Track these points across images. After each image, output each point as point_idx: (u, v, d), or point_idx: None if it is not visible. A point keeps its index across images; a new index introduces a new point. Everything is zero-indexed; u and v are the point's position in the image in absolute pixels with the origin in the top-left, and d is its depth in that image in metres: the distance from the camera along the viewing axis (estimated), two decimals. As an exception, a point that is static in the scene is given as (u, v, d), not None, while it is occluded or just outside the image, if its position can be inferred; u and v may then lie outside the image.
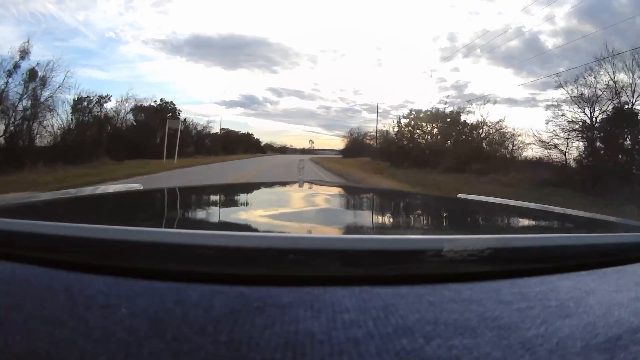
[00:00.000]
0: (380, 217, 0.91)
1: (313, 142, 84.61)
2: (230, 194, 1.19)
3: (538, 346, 0.29)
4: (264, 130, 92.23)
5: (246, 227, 0.66)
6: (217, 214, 0.87)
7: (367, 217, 0.91)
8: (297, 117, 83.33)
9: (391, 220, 0.88)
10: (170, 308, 0.31)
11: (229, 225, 0.70)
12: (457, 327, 0.30)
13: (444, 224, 0.89)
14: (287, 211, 0.84)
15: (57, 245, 0.40)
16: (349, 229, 0.70)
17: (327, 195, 1.12)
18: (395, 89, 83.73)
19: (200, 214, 0.87)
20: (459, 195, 1.15)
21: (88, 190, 1.04)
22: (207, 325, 0.29)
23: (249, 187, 1.47)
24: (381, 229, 0.73)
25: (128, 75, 56.80)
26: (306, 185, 1.18)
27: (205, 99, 69.83)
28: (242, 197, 1.12)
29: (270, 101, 79.26)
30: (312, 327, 0.29)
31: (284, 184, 1.37)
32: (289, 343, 0.28)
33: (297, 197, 1.02)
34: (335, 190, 1.38)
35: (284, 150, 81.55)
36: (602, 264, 0.46)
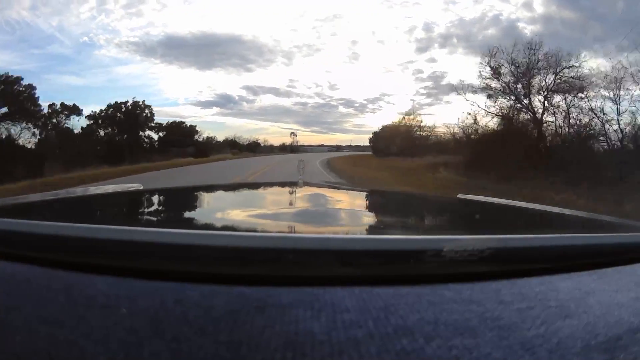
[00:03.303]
0: (380, 218, 0.91)
1: (296, 136, 66.83)
2: (230, 193, 1.19)
3: (538, 346, 0.29)
4: (241, 130, 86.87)
5: (246, 227, 0.66)
6: (217, 213, 0.87)
7: (367, 218, 0.91)
8: (273, 114, 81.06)
9: (391, 220, 0.88)
10: (170, 308, 0.31)
11: (229, 225, 0.70)
12: (457, 327, 0.30)
13: (444, 224, 0.89)
14: (288, 211, 0.84)
15: (57, 245, 0.40)
16: (349, 229, 0.70)
17: (327, 196, 1.12)
18: (371, 83, 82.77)
19: (201, 214, 0.87)
20: (459, 196, 1.15)
21: (81, 191, 1.04)
22: (207, 325, 0.29)
23: (250, 187, 1.47)
24: (381, 229, 0.73)
25: (104, 80, 55.16)
26: (306, 186, 1.18)
27: (181, 100, 67.59)
28: (242, 197, 1.12)
29: (246, 100, 76.09)
30: (312, 327, 0.29)
31: (284, 184, 1.37)
32: (289, 343, 0.28)
33: (297, 198, 1.02)
34: (335, 191, 1.38)
35: (253, 148, 49.10)
36: (602, 264, 0.46)
